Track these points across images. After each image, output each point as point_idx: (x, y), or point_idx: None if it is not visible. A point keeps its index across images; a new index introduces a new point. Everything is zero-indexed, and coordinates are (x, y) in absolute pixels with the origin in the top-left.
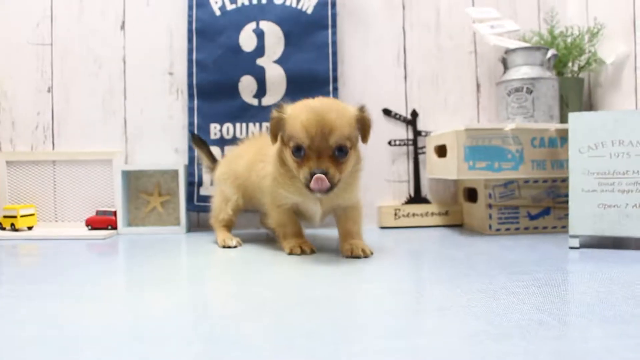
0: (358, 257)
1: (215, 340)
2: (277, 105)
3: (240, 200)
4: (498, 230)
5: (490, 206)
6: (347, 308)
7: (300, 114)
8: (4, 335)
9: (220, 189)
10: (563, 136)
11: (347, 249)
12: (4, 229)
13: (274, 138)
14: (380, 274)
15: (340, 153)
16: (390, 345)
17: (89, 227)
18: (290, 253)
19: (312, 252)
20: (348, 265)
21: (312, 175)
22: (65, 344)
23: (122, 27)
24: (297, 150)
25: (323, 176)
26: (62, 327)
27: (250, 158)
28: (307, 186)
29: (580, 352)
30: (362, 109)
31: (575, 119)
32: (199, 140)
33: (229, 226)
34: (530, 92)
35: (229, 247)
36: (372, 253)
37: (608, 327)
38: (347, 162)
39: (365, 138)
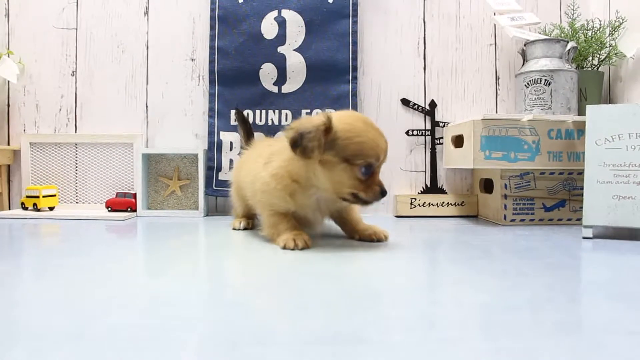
0: (380, 240)
1: (233, 307)
2: (324, 116)
3: (245, 210)
4: (513, 220)
5: (505, 197)
6: (362, 282)
7: (364, 129)
8: (29, 304)
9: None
10: (580, 128)
11: (369, 233)
12: (26, 208)
13: (317, 151)
14: (396, 256)
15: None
16: (402, 313)
17: (109, 209)
18: (285, 247)
19: (306, 245)
20: (363, 248)
21: (382, 192)
22: (87, 312)
23: (146, 13)
24: (368, 168)
25: (385, 193)
26: (84, 296)
27: (248, 168)
28: (366, 201)
29: (587, 322)
30: None
31: (593, 111)
32: (241, 116)
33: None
34: (548, 84)
35: (238, 229)
36: (386, 237)
37: (615, 303)
38: None
39: None
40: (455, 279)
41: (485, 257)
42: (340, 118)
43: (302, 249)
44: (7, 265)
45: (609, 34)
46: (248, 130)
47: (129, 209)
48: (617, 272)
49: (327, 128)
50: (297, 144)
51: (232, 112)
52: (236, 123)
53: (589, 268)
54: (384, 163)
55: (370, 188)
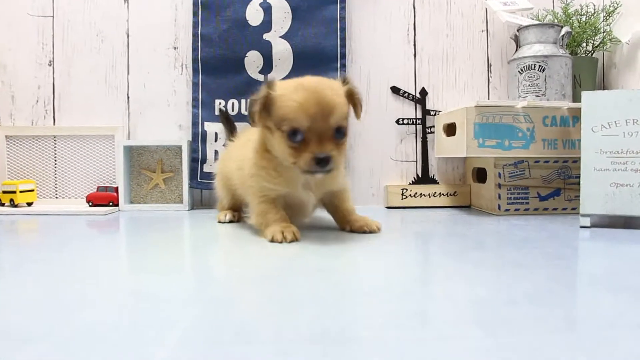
0: (372, 232)
1: (216, 303)
2: (266, 82)
3: (231, 202)
4: (507, 210)
5: (499, 186)
6: (353, 277)
7: (295, 92)
8: (6, 304)
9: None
10: (575, 115)
11: (360, 225)
12: (2, 204)
13: (257, 121)
14: (388, 249)
15: (339, 134)
16: (395, 308)
17: (90, 204)
18: (272, 240)
19: (295, 238)
20: (354, 241)
21: (316, 160)
22: (58, 310)
23: (126, 0)
24: (294, 134)
25: (328, 162)
26: (57, 294)
27: (236, 155)
28: (309, 171)
29: (591, 316)
30: (347, 81)
31: (589, 97)
32: (225, 115)
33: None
34: (542, 70)
35: (224, 222)
36: (380, 228)
37: (618, 295)
38: (346, 142)
39: (357, 113)
40: (450, 272)
41: (480, 248)
42: (284, 83)
43: (290, 241)
44: None
45: (604, 19)
46: (232, 127)
47: (110, 204)
48: (617, 262)
49: (269, 94)
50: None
51: (217, 102)
52: None
53: (588, 258)
54: (332, 127)
55: (302, 157)
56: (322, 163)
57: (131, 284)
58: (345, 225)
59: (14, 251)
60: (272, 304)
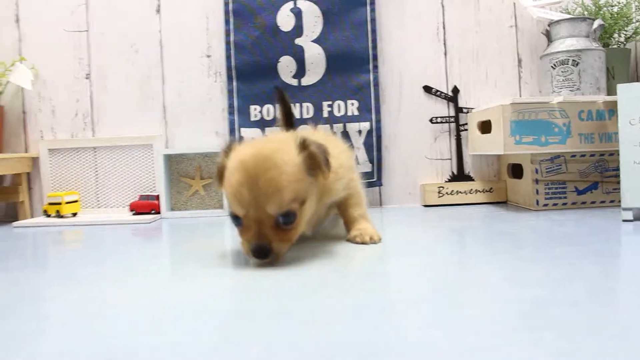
0: (364, 243)
1: (256, 314)
2: (225, 147)
3: None
4: (545, 205)
5: (536, 181)
6: (392, 282)
7: (235, 172)
8: (57, 318)
9: None
10: (611, 108)
11: (353, 236)
12: (49, 215)
13: (220, 186)
14: (426, 248)
15: (286, 219)
16: (444, 317)
17: (133, 212)
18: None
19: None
20: (392, 241)
21: (253, 252)
22: (113, 320)
23: (158, 11)
24: (235, 218)
25: (266, 254)
26: (109, 306)
27: None
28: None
29: None
30: (303, 145)
31: (625, 90)
32: (281, 95)
33: None
34: (576, 64)
35: None
36: (380, 239)
37: None
38: (298, 226)
39: (323, 175)
40: (501, 272)
41: (526, 245)
42: (237, 153)
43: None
44: (34, 273)
45: (636, 9)
46: (287, 110)
47: (152, 211)
48: None
49: (224, 162)
50: None
51: (252, 108)
52: (257, 119)
53: (637, 254)
54: (272, 216)
55: (243, 242)
56: (259, 255)
57: (182, 290)
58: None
59: (67, 262)
60: (313, 311)
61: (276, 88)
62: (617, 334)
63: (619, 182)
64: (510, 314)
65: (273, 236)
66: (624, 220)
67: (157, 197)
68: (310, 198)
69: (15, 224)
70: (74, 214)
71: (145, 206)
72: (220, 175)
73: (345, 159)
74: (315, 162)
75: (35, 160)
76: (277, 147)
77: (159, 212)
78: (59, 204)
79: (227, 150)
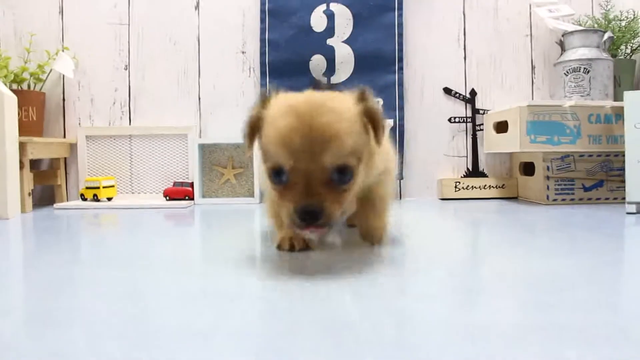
0: (369, 242)
1: (282, 294)
2: (261, 97)
3: None
4: (555, 200)
5: (548, 178)
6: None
7: (283, 116)
8: (91, 294)
9: None
10: (618, 113)
11: (361, 233)
12: (85, 199)
13: (248, 143)
14: (450, 233)
15: (341, 176)
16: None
17: (167, 198)
18: (279, 247)
19: (306, 246)
20: (415, 229)
21: (299, 213)
22: (146, 300)
23: (197, 7)
24: (277, 173)
25: (315, 217)
26: (142, 289)
27: None
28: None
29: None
30: (363, 96)
31: (631, 96)
32: (316, 83)
33: None
34: (587, 72)
35: None
36: (384, 242)
37: None
38: (352, 187)
39: (377, 137)
40: (523, 246)
41: (543, 229)
42: (282, 99)
43: (298, 249)
44: (85, 253)
45: None
46: None
47: (186, 198)
48: None
49: (260, 113)
50: None
51: None
52: None
53: (636, 240)
54: (328, 168)
55: (284, 205)
56: (307, 217)
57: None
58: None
59: (108, 244)
60: (341, 292)
61: (314, 80)
62: (618, 287)
63: (622, 181)
64: (531, 280)
65: (325, 195)
66: (628, 213)
67: (192, 184)
68: (364, 161)
69: (55, 205)
70: (109, 199)
71: (180, 192)
72: (253, 129)
73: (390, 147)
74: (372, 118)
75: (72, 146)
76: (332, 96)
77: (192, 199)
78: (97, 188)
79: (265, 99)
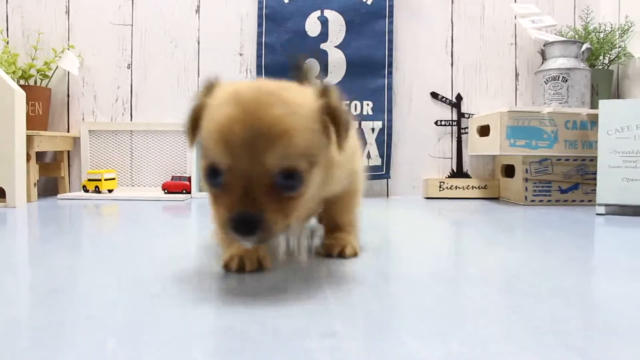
0: (341, 256)
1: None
2: (205, 83)
3: None
4: (533, 201)
5: (526, 180)
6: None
7: (224, 105)
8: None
9: None
10: (593, 120)
11: (329, 244)
12: (87, 191)
13: (192, 138)
14: (437, 228)
15: (288, 181)
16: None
17: (165, 191)
18: (225, 267)
19: (260, 265)
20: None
21: (232, 223)
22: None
23: (197, 11)
24: (212, 174)
25: (251, 229)
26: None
27: None
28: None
29: (612, 270)
30: (326, 92)
31: (605, 105)
32: (299, 67)
33: None
34: (565, 80)
35: None
36: (356, 254)
37: (634, 260)
38: (302, 197)
39: (339, 140)
40: (500, 244)
41: (518, 228)
42: (228, 86)
43: (249, 269)
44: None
45: (619, 36)
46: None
47: (184, 191)
48: (627, 242)
49: (203, 102)
50: None
51: None
52: None
53: (607, 238)
54: (270, 171)
55: (219, 212)
56: (242, 229)
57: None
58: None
59: (122, 229)
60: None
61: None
62: (587, 277)
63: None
64: (501, 272)
65: (266, 203)
66: (598, 214)
67: (189, 179)
68: (319, 167)
69: (59, 196)
70: (110, 191)
71: (178, 186)
72: (194, 121)
73: (357, 147)
74: (334, 117)
75: (76, 140)
76: (288, 86)
77: (189, 192)
78: (99, 180)
79: (209, 86)
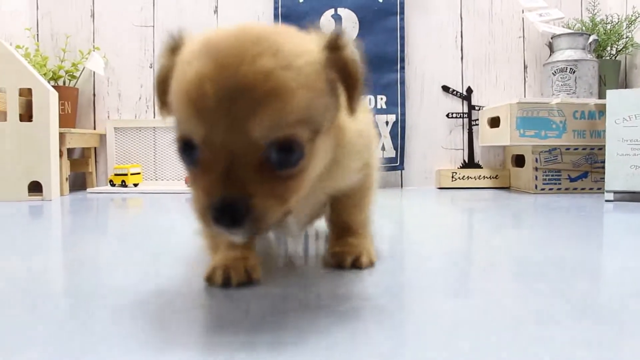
0: (356, 267)
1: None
2: (171, 38)
3: None
4: (542, 189)
5: (536, 169)
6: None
7: (190, 62)
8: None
9: None
10: (601, 110)
11: (340, 252)
12: (114, 185)
13: (162, 105)
14: (453, 213)
15: (283, 156)
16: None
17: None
18: (208, 281)
19: (248, 279)
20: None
21: (213, 212)
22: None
23: (215, 11)
24: (185, 149)
25: (237, 218)
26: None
27: None
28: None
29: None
30: (335, 42)
31: (613, 95)
32: None
33: None
34: (573, 72)
35: None
36: (372, 263)
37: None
38: (303, 174)
39: (350, 102)
40: (513, 226)
41: (530, 213)
42: (198, 39)
43: (236, 282)
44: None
45: (626, 27)
46: None
47: None
48: (634, 225)
49: (171, 61)
50: None
51: None
52: None
53: (615, 221)
54: (257, 143)
55: (197, 196)
56: (225, 218)
57: None
58: (330, 244)
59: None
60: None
61: None
62: (599, 251)
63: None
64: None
65: (255, 186)
66: (606, 200)
67: None
68: (327, 135)
69: (89, 190)
70: (136, 185)
71: None
72: (162, 85)
73: (374, 136)
74: (347, 73)
75: (102, 137)
76: (283, 30)
77: None
78: (125, 175)
79: (177, 41)
